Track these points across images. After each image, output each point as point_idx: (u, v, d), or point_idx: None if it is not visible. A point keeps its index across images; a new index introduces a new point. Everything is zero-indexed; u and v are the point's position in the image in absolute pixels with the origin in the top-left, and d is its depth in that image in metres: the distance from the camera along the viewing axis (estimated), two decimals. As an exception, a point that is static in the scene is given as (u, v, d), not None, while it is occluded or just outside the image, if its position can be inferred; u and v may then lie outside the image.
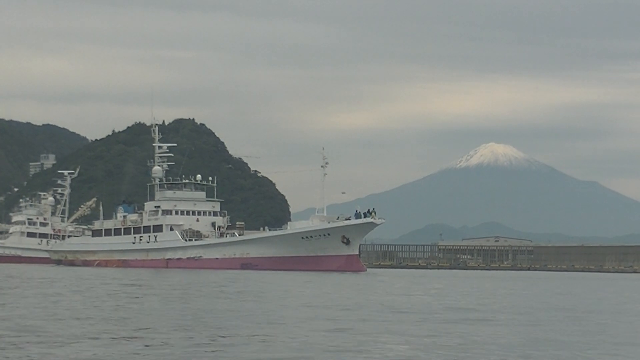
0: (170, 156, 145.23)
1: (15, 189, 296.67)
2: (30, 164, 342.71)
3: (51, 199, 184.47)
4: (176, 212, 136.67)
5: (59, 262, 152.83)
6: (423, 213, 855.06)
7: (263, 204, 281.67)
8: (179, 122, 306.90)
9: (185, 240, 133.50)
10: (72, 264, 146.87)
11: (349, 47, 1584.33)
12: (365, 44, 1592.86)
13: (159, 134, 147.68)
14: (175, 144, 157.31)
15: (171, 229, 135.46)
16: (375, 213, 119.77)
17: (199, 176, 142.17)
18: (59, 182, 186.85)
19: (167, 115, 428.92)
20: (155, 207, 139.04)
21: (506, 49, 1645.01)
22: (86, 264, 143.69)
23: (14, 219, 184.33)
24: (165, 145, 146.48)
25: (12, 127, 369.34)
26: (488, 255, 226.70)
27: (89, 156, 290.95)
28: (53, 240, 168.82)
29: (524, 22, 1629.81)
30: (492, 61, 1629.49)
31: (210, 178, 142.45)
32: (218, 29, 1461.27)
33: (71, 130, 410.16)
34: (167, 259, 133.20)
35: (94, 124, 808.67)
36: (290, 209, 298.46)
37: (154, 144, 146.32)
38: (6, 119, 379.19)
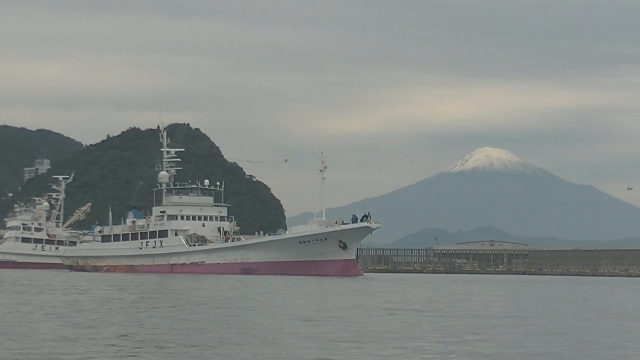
0: (178, 161, 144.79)
1: (10, 194, 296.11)
2: (25, 169, 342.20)
3: (46, 204, 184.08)
4: (182, 217, 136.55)
5: (70, 268, 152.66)
6: (418, 217, 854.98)
7: (258, 208, 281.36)
8: (173, 127, 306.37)
9: (190, 245, 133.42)
10: (82, 269, 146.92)
11: (345, 52, 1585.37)
12: (362, 49, 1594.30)
13: (167, 139, 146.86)
14: (183, 149, 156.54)
15: (176, 234, 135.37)
16: (370, 217, 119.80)
17: (206, 181, 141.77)
18: (54, 187, 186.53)
19: (161, 120, 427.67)
20: (161, 212, 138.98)
21: (501, 53, 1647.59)
22: (96, 269, 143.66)
23: (9, 224, 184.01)
24: (173, 150, 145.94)
25: (7, 132, 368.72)
26: (483, 259, 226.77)
27: (83, 161, 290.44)
28: (66, 247, 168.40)
29: (519, 27, 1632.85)
30: (487, 65, 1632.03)
31: (217, 183, 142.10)
32: (215, 34, 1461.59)
33: (66, 135, 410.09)
34: (172, 264, 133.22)
35: (88, 129, 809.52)
36: (286, 214, 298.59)
37: (161, 149, 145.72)
38: (0, 124, 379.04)
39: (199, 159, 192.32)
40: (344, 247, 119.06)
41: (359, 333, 32.50)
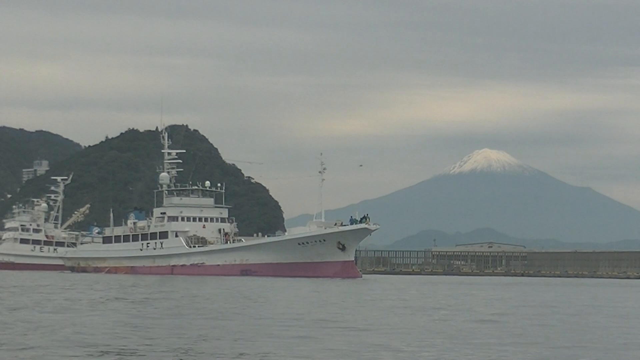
0: (179, 162, 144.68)
1: (9, 196, 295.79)
2: (24, 170, 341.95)
3: (44, 205, 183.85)
4: (182, 219, 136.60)
5: (72, 269, 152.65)
6: (417, 219, 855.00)
7: (256, 210, 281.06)
8: (172, 128, 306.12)
9: (190, 246, 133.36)
10: (84, 270, 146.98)
11: (343, 54, 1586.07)
12: (361, 51, 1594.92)
13: (168, 140, 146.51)
14: (184, 150, 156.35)
15: (176, 236, 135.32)
16: (369, 219, 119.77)
17: (207, 182, 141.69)
18: (52, 188, 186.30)
19: (160, 121, 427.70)
20: (161, 213, 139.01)
21: (500, 55, 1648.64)
22: (97, 270, 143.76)
23: (7, 225, 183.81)
24: (174, 152, 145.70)
25: (5, 134, 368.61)
26: (482, 261, 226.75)
27: (82, 162, 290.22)
28: (67, 248, 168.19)
29: (518, 29, 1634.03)
30: (486, 67, 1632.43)
31: (218, 184, 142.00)
32: (214, 36, 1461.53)
33: (64, 136, 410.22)
34: (172, 266, 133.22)
35: (87, 130, 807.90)
36: (284, 215, 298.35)
37: (162, 150, 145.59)
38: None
39: (198, 161, 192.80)
40: (343, 248, 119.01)
41: (357, 334, 32.50)
